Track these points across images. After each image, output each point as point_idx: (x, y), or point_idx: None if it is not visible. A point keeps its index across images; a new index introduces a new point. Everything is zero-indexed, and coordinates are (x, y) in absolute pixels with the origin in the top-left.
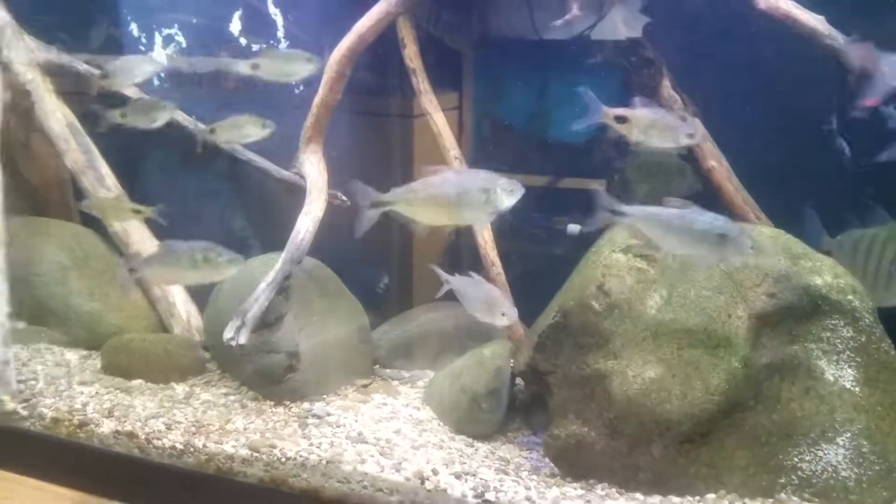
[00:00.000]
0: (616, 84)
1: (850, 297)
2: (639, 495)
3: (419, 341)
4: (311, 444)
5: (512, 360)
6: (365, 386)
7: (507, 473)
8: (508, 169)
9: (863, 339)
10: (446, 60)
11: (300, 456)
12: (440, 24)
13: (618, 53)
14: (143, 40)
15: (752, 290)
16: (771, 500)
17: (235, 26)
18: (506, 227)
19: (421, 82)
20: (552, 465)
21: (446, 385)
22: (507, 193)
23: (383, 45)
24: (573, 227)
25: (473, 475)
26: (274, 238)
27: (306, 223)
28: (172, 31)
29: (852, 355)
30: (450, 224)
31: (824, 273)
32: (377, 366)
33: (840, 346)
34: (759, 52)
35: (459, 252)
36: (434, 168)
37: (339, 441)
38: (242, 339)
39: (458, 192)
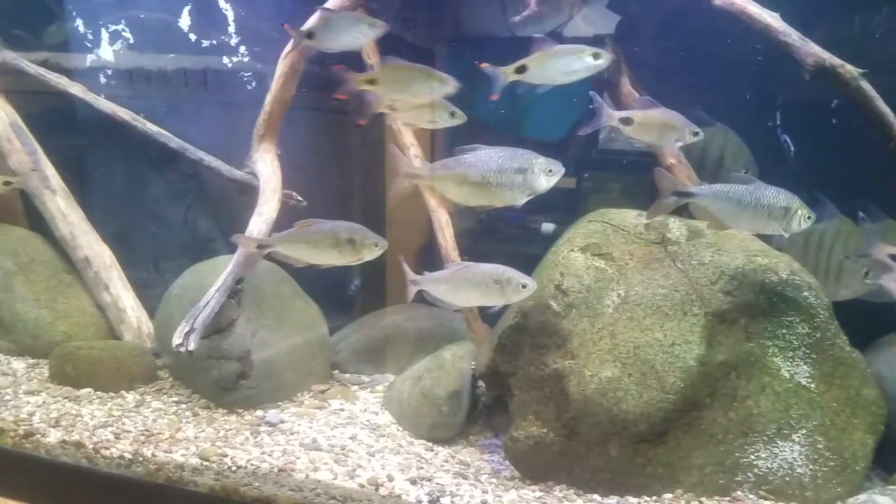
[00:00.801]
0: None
1: (805, 293)
2: (596, 496)
3: (381, 345)
4: (264, 453)
5: (474, 363)
6: (322, 392)
7: (465, 477)
8: None
9: (818, 336)
10: (417, 58)
11: (252, 464)
12: (399, 20)
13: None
14: (97, 37)
15: (708, 288)
16: (728, 498)
17: (187, 21)
18: (480, 226)
19: None
20: (513, 467)
21: (406, 389)
22: (545, 174)
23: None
24: (547, 226)
25: (430, 480)
26: None
27: (258, 224)
28: (124, 26)
29: (808, 352)
30: (484, 205)
31: (780, 270)
32: (336, 371)
33: (796, 343)
34: (714, 50)
35: (434, 252)
36: (469, 147)
37: (292, 449)
38: (191, 346)
39: (495, 171)
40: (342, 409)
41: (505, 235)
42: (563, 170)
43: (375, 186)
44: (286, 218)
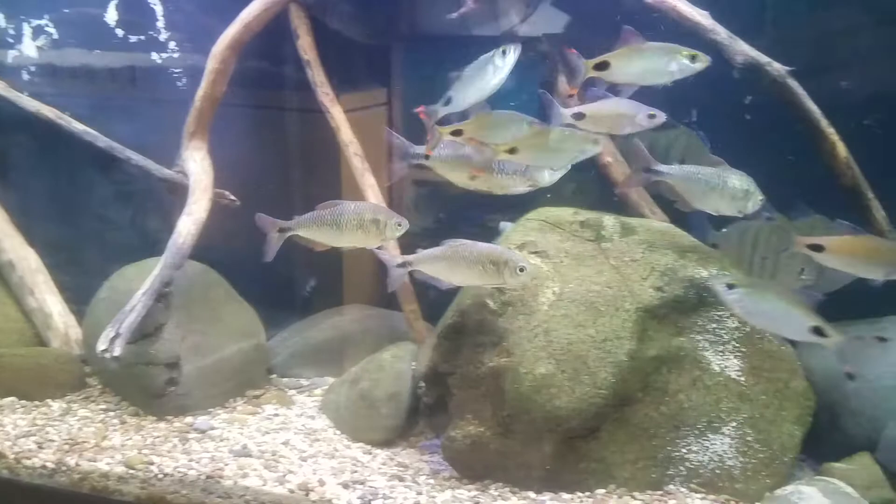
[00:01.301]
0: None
1: None
2: (531, 494)
3: (322, 347)
4: (191, 460)
5: (414, 363)
6: (257, 397)
7: (402, 479)
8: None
9: (747, 329)
10: (373, 55)
11: (178, 472)
12: (335, 15)
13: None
14: (19, 32)
15: (639, 284)
16: (660, 492)
17: (115, 16)
18: (438, 225)
19: (316, 74)
20: (451, 467)
21: (343, 392)
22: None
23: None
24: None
25: (363, 483)
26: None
27: (187, 225)
28: (48, 21)
29: (737, 345)
30: (484, 190)
31: (710, 265)
32: (274, 375)
33: (725, 337)
34: None
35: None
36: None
37: (220, 455)
38: (117, 351)
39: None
40: (276, 415)
41: (463, 235)
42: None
43: (325, 184)
44: (221, 218)
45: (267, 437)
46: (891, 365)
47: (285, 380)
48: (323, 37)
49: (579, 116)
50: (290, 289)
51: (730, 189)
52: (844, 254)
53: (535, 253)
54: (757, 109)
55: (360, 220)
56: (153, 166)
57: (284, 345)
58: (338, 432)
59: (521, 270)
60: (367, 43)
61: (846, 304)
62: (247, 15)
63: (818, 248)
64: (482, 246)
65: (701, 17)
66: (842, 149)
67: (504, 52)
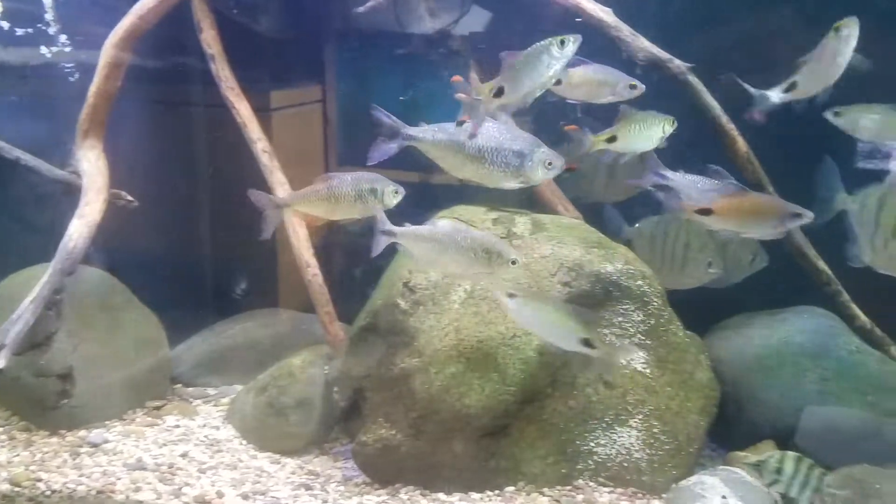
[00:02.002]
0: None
1: (639, 282)
2: (442, 495)
3: (229, 354)
4: (82, 475)
5: (327, 367)
6: (157, 408)
7: (310, 488)
8: (378, 165)
9: (652, 323)
10: (308, 52)
11: (67, 488)
12: (239, 6)
13: (427, 45)
14: None
15: (547, 280)
16: (568, 487)
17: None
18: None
19: (220, 69)
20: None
21: (250, 400)
22: (543, 166)
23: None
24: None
25: (264, 494)
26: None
27: (79, 228)
28: None
29: (643, 338)
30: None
31: (616, 260)
32: (179, 385)
33: (631, 330)
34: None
35: (332, 250)
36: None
37: (113, 469)
38: (2, 363)
39: (492, 149)
40: (177, 426)
41: None
42: (563, 165)
43: (234, 182)
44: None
45: (164, 449)
46: (791, 355)
47: (191, 389)
48: (253, 33)
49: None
50: (211, 293)
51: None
52: (732, 214)
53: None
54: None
55: (358, 190)
56: (45, 167)
57: (190, 353)
58: (244, 442)
59: (514, 263)
60: (270, 35)
61: (752, 295)
62: (140, 7)
63: (706, 212)
64: (477, 233)
65: (604, 14)
66: (742, 144)
67: (563, 43)
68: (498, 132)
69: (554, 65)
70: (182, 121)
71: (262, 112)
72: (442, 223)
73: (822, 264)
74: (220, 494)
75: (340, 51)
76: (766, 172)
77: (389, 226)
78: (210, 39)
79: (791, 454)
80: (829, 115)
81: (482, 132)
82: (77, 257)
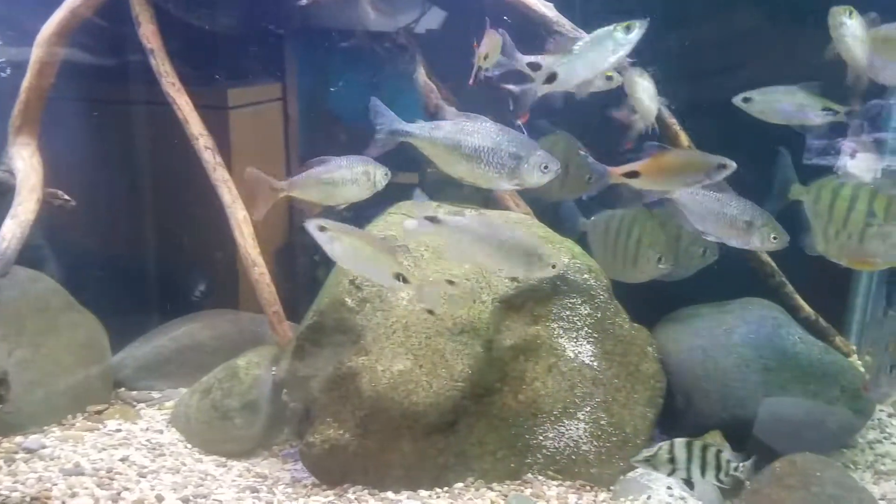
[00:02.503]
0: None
1: (586, 276)
2: (390, 494)
3: (174, 357)
4: (16, 482)
5: (275, 368)
6: (99, 412)
7: (256, 491)
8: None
9: (599, 316)
10: (268, 50)
11: (1, 495)
12: (192, 3)
13: (372, 40)
14: None
15: (496, 275)
16: (518, 481)
17: None
18: (342, 222)
19: (160, 64)
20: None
21: (194, 403)
22: (539, 169)
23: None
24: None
25: (206, 497)
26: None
27: (12, 229)
28: None
29: (590, 331)
30: (468, 181)
31: (562, 255)
32: (122, 388)
33: (579, 324)
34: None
35: (294, 251)
36: None
37: (49, 475)
38: None
39: (489, 148)
40: (119, 430)
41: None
42: (558, 169)
43: (180, 180)
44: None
45: (104, 453)
46: (736, 346)
47: (134, 393)
48: (209, 30)
49: (535, 66)
50: (159, 295)
51: (728, 215)
52: (659, 173)
53: (396, 247)
54: None
55: (352, 173)
56: None
57: (134, 356)
58: (189, 446)
59: (553, 267)
60: (213, 31)
61: (700, 288)
62: (73, 1)
63: (633, 174)
64: (520, 232)
65: (546, 9)
66: (684, 138)
67: (628, 28)
68: (496, 132)
69: (618, 51)
70: (125, 118)
71: (220, 110)
72: (478, 215)
73: (766, 256)
74: (159, 498)
75: (301, 48)
76: None
77: (432, 213)
78: (149, 34)
79: (679, 440)
80: (738, 102)
81: (479, 131)
82: (10, 259)
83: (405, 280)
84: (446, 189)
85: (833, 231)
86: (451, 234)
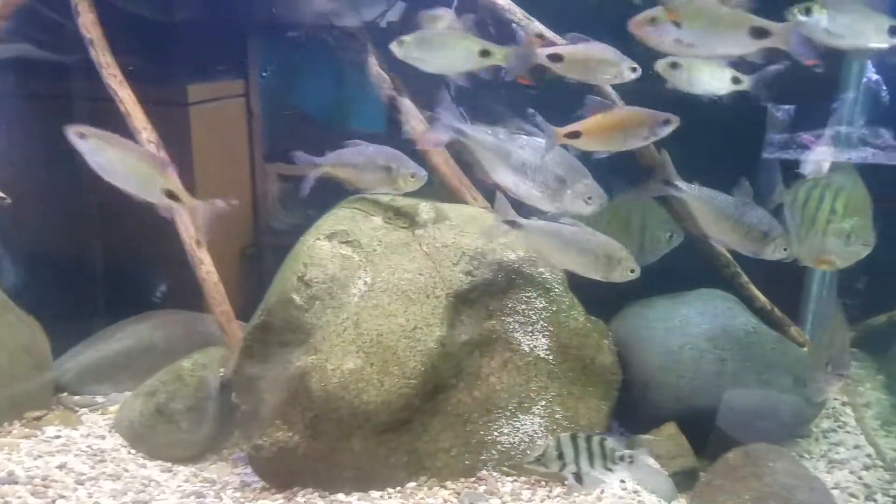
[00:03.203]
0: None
1: (541, 269)
2: (341, 496)
3: (120, 360)
4: None
5: (222, 369)
6: (37, 418)
7: (203, 496)
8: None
9: (554, 309)
10: (230, 45)
11: None
12: None
13: (321, 28)
14: None
15: (450, 270)
16: (472, 478)
17: None
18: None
19: (101, 55)
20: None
21: (138, 407)
22: (583, 200)
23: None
24: None
25: None
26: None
27: None
28: None
29: (545, 325)
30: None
31: (518, 248)
32: (65, 393)
33: (534, 318)
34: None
35: (260, 251)
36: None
37: None
38: None
39: (534, 168)
40: (58, 437)
41: None
42: (604, 203)
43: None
44: None
45: (39, 461)
46: (690, 337)
47: (77, 398)
48: (167, 24)
49: (556, 58)
50: (106, 296)
51: (745, 224)
52: (601, 132)
53: (347, 242)
54: None
55: (373, 163)
56: None
57: (77, 359)
58: (132, 451)
59: (632, 272)
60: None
61: (657, 280)
62: None
63: (575, 135)
64: (602, 237)
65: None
66: None
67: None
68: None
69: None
70: (66, 113)
71: (179, 106)
72: (562, 220)
73: (720, 248)
74: None
75: (264, 44)
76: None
77: (514, 216)
78: (88, 24)
79: (564, 435)
80: (661, 68)
81: (531, 146)
82: None
83: (176, 199)
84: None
85: (804, 232)
86: (529, 237)
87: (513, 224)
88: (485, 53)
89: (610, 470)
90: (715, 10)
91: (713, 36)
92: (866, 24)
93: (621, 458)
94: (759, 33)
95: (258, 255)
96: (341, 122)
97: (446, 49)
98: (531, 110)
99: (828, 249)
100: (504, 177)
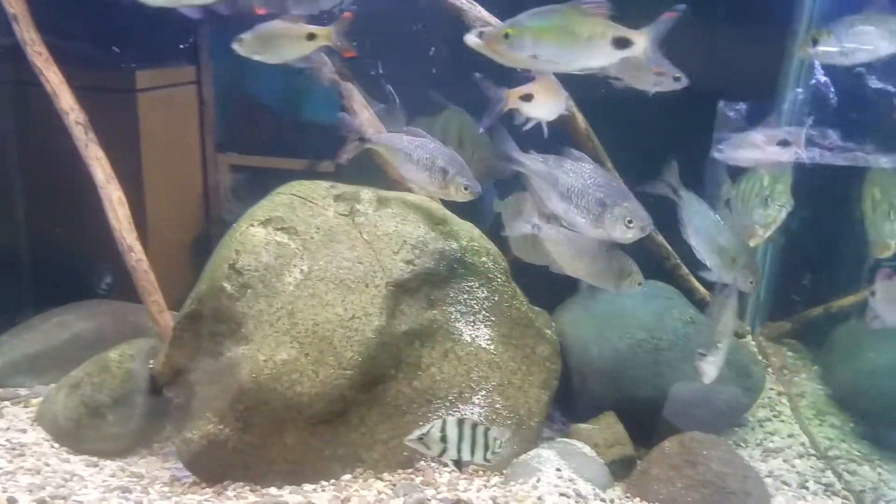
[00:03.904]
0: None
1: (483, 258)
2: (273, 490)
3: (46, 351)
4: None
5: (152, 361)
6: None
7: (128, 491)
8: (257, 151)
9: (496, 299)
10: (180, 31)
11: None
12: None
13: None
14: None
15: (390, 259)
16: (410, 470)
17: None
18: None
19: (25, 31)
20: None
21: (61, 399)
22: (623, 223)
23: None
24: None
25: (66, 499)
26: None
27: None
28: None
29: (487, 315)
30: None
31: (461, 237)
32: None
33: (476, 307)
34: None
35: (210, 242)
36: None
37: None
38: None
39: (578, 190)
40: None
41: None
42: (646, 226)
43: (51, 162)
44: None
45: None
46: (628, 327)
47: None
48: (117, 5)
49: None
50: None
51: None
52: (549, 90)
53: (282, 229)
54: None
55: (431, 161)
56: None
57: None
58: (55, 445)
59: (639, 285)
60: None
61: None
62: None
63: (528, 97)
64: (617, 251)
65: None
66: (581, 121)
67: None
68: (590, 174)
69: None
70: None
71: (127, 93)
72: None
73: (661, 239)
74: (11, 501)
75: (216, 30)
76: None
77: (537, 220)
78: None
79: (451, 419)
80: (472, 40)
81: (575, 171)
82: None
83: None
84: (362, 177)
85: (741, 215)
86: (550, 242)
87: (534, 227)
88: (311, 37)
89: (488, 461)
90: (572, 23)
91: (573, 50)
92: (877, 33)
93: (499, 448)
94: (622, 43)
95: (209, 247)
96: (295, 110)
97: (279, 40)
98: (478, 74)
99: (754, 220)
100: (555, 204)
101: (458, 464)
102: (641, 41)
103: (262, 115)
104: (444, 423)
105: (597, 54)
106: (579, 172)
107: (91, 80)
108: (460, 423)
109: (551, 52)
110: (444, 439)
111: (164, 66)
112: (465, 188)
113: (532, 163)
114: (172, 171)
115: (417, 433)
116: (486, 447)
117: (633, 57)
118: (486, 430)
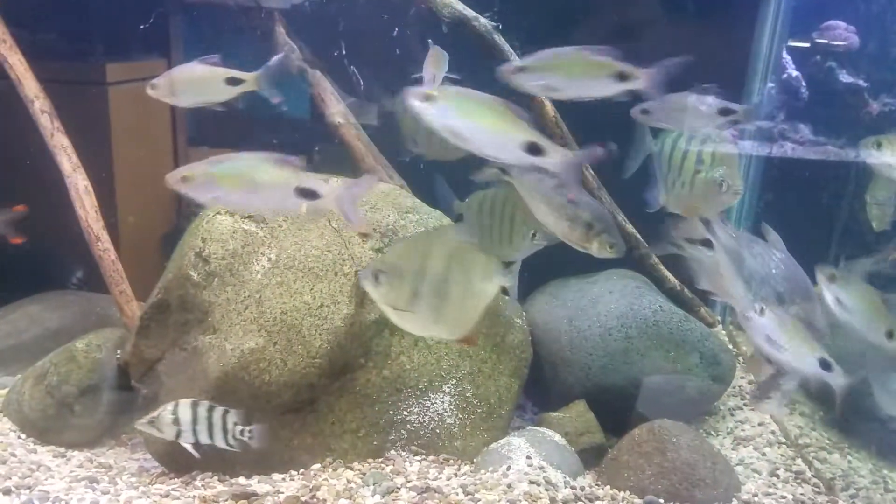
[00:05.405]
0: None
1: None
2: (241, 479)
3: (12, 342)
4: None
5: (119, 351)
6: None
7: (96, 481)
8: (227, 145)
9: None
10: (151, 24)
11: None
12: None
13: (245, 9)
14: None
15: (359, 247)
16: (380, 459)
17: None
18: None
19: None
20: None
21: (27, 390)
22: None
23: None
24: None
25: (31, 489)
26: None
27: None
28: None
29: None
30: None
31: (430, 225)
32: None
33: None
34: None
35: (181, 234)
36: None
37: None
38: None
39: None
40: None
41: None
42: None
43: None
44: None
45: None
46: (598, 315)
47: None
48: (91, 2)
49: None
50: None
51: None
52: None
53: (250, 217)
54: None
55: (575, 214)
56: None
57: None
58: (22, 436)
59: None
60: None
61: (571, 260)
62: None
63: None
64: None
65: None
66: (550, 108)
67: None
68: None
69: None
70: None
71: (97, 86)
72: None
73: (630, 228)
74: None
75: (188, 22)
76: None
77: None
78: None
79: (185, 401)
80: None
81: (764, 255)
82: None
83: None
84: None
85: (671, 181)
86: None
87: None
88: (234, 81)
89: (231, 446)
90: (581, 60)
91: (580, 81)
92: None
93: (241, 434)
94: (623, 77)
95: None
96: (265, 106)
97: (194, 84)
98: (429, 40)
99: (697, 197)
100: (736, 287)
101: (197, 447)
102: (644, 76)
103: (233, 109)
104: (176, 405)
105: (600, 86)
106: (766, 259)
107: (61, 73)
108: (195, 405)
109: (561, 83)
110: (176, 422)
111: (135, 59)
112: (611, 247)
113: (728, 241)
114: (144, 165)
115: (149, 416)
116: (225, 430)
117: None
118: (225, 412)
